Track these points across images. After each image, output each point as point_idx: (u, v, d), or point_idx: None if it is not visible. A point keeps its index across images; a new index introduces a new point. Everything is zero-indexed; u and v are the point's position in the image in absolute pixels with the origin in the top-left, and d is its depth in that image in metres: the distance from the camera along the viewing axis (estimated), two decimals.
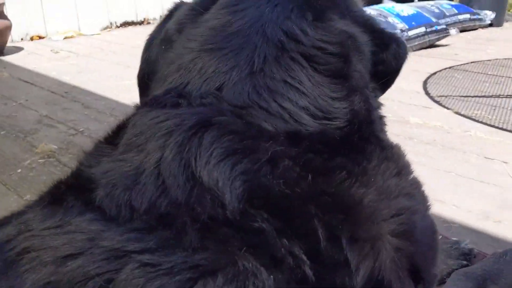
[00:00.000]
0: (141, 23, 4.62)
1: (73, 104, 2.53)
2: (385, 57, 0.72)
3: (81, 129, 2.15)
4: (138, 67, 0.84)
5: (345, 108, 0.62)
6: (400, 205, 0.58)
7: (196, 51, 0.65)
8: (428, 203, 0.69)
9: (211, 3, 0.72)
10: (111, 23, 4.54)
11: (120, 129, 0.61)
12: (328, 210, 0.51)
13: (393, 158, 0.63)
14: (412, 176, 0.66)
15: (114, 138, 0.60)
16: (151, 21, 4.60)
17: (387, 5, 3.81)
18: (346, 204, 0.53)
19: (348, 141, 0.60)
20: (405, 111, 2.27)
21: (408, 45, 3.34)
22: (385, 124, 0.73)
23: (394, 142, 0.71)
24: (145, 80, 0.77)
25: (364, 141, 0.61)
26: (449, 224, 1.36)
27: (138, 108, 0.63)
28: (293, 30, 0.64)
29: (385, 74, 0.75)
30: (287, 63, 0.62)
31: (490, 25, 4.28)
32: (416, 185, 0.66)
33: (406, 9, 3.60)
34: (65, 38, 4.25)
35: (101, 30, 4.49)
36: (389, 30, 0.77)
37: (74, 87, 2.81)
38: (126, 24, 4.59)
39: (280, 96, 0.59)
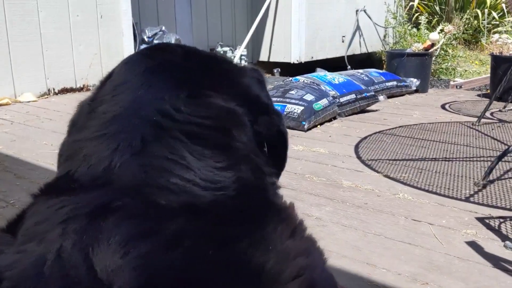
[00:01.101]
0: (80, 89, 4.60)
1: (4, 174, 2.44)
2: (257, 127, 0.75)
3: (11, 201, 2.08)
4: None
5: (232, 177, 0.63)
6: (299, 265, 0.60)
7: (82, 140, 0.67)
8: (324, 257, 0.71)
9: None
10: (49, 90, 4.49)
11: (20, 218, 0.60)
12: (234, 280, 0.53)
13: (287, 220, 0.65)
14: (305, 233, 0.68)
15: (14, 226, 0.59)
16: (90, 87, 4.60)
17: (320, 73, 4.03)
18: (251, 273, 0.55)
19: (242, 209, 0.61)
20: (338, 175, 2.37)
21: (340, 111, 3.54)
22: (278, 188, 0.75)
23: (287, 202, 0.73)
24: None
25: (258, 207, 0.64)
26: None
27: (35, 196, 0.63)
28: (167, 108, 0.66)
29: (267, 144, 0.78)
30: (166, 141, 0.63)
31: (416, 91, 4.60)
32: (311, 242, 0.69)
33: (338, 77, 3.83)
34: (0, 105, 4.14)
35: (39, 97, 4.43)
36: (266, 100, 0.81)
37: (7, 156, 2.73)
38: (65, 90, 4.55)
39: (167, 173, 0.61)
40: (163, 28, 5.11)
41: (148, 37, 5.00)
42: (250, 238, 0.57)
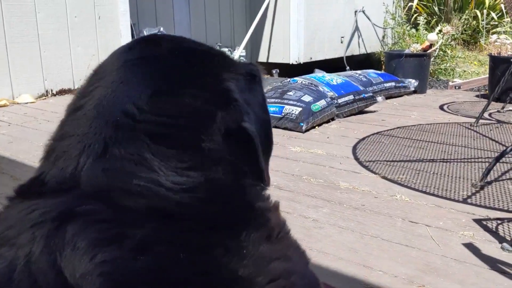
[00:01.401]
0: None
1: (0, 176, 2.44)
2: (220, 124, 0.68)
3: None
4: None
5: (200, 178, 0.61)
6: (276, 270, 0.58)
7: (54, 139, 0.66)
8: (306, 260, 0.69)
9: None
10: (47, 91, 4.49)
11: None
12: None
13: (265, 223, 0.63)
14: (286, 235, 0.66)
15: None
16: None
17: (318, 74, 4.03)
18: (225, 281, 0.54)
19: (213, 212, 0.59)
20: (336, 176, 2.36)
21: (338, 112, 3.53)
22: (262, 190, 0.71)
23: (272, 202, 0.71)
24: None
25: (231, 210, 0.61)
26: None
27: (10, 199, 0.62)
28: (130, 108, 0.63)
29: (241, 138, 0.70)
30: (128, 142, 0.61)
31: (414, 91, 4.60)
32: (291, 244, 0.67)
33: (336, 78, 3.82)
34: None
35: (37, 98, 4.42)
36: (238, 95, 0.73)
37: (3, 158, 2.72)
38: (63, 91, 4.55)
39: (129, 175, 0.59)
40: (161, 29, 5.11)
41: None
42: (222, 243, 0.56)
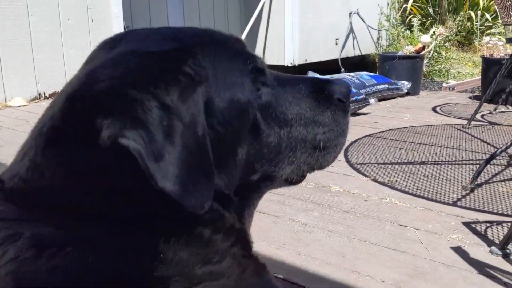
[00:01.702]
0: None
1: None
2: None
3: None
4: None
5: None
6: None
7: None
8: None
9: None
10: (40, 94, 4.47)
11: None
12: None
13: (186, 231, 0.61)
14: None
15: None
16: None
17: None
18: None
19: (134, 220, 0.60)
20: (327, 179, 2.36)
21: None
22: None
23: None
24: None
25: (149, 218, 0.60)
26: None
27: None
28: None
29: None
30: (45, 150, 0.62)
31: (408, 93, 4.60)
32: None
33: None
34: None
35: (29, 101, 4.41)
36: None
37: None
38: (56, 94, 4.51)
39: (21, 180, 0.61)
40: None
41: None
42: (139, 249, 0.56)
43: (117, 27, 4.71)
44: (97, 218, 0.57)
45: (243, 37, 5.65)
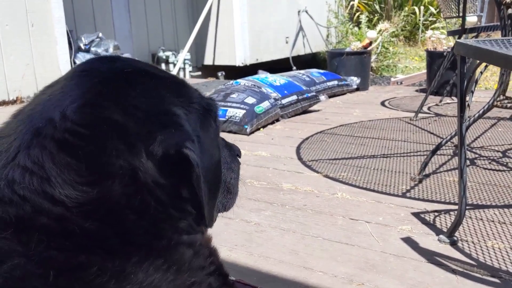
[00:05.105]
0: (13, 102, 4.38)
1: None
2: (153, 147, 0.64)
3: None
4: None
5: (92, 194, 0.59)
6: None
7: None
8: None
9: None
10: None
11: None
12: None
13: (165, 253, 0.62)
14: (185, 273, 0.65)
15: None
16: (24, 99, 4.39)
17: (261, 75, 4.02)
18: None
19: (97, 231, 0.58)
20: (279, 178, 2.35)
21: (282, 113, 3.53)
22: (189, 225, 0.69)
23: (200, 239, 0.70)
24: None
25: (121, 233, 0.60)
26: None
27: None
28: (56, 116, 0.63)
29: (181, 166, 0.66)
30: (35, 149, 0.61)
31: (357, 89, 4.67)
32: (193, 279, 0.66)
33: (279, 79, 3.82)
34: None
35: None
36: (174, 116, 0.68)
37: None
38: None
39: (16, 184, 0.59)
40: (100, 34, 4.96)
41: (85, 45, 4.83)
42: (97, 264, 0.54)
43: (60, 31, 4.55)
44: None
45: (192, 38, 5.58)
